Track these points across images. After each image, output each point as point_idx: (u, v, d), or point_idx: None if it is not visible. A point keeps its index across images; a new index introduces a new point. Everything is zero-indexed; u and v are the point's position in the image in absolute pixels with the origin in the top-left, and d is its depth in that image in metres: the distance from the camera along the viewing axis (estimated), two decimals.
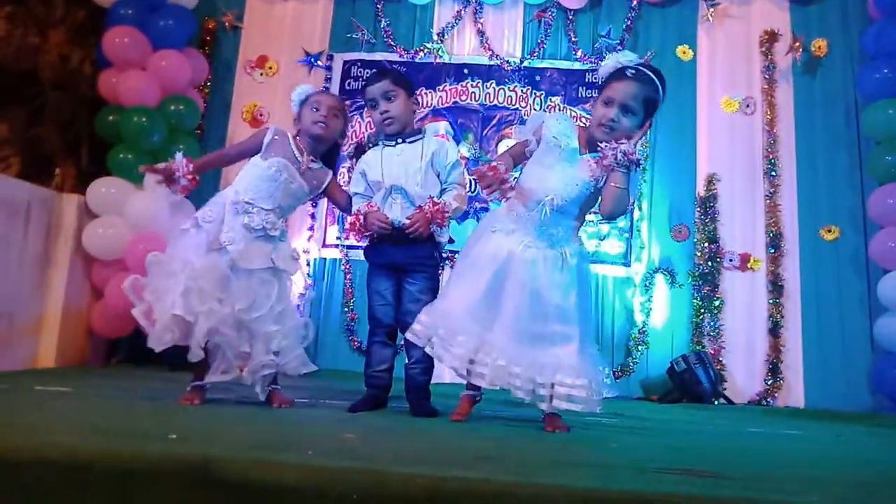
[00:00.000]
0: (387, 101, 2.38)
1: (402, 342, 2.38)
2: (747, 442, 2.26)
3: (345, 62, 4.66)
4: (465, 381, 2.13)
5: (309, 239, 4.40)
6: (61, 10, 4.40)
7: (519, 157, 2.14)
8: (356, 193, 2.45)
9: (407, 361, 2.33)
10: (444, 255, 4.25)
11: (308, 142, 2.47)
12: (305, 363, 2.39)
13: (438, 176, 2.38)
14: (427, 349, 2.04)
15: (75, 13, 4.42)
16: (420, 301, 2.29)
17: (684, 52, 4.43)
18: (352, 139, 4.55)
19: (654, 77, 2.03)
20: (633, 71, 2.00)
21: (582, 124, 2.22)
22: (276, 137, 2.44)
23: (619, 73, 2.01)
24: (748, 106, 4.33)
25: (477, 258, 2.07)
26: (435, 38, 4.58)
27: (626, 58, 2.05)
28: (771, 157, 4.21)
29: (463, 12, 4.60)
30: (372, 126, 4.56)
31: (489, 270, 2.02)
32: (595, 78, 4.46)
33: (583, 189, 2.04)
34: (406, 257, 2.35)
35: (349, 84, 4.64)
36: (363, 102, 4.50)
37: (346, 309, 4.27)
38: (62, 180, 4.27)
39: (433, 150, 2.38)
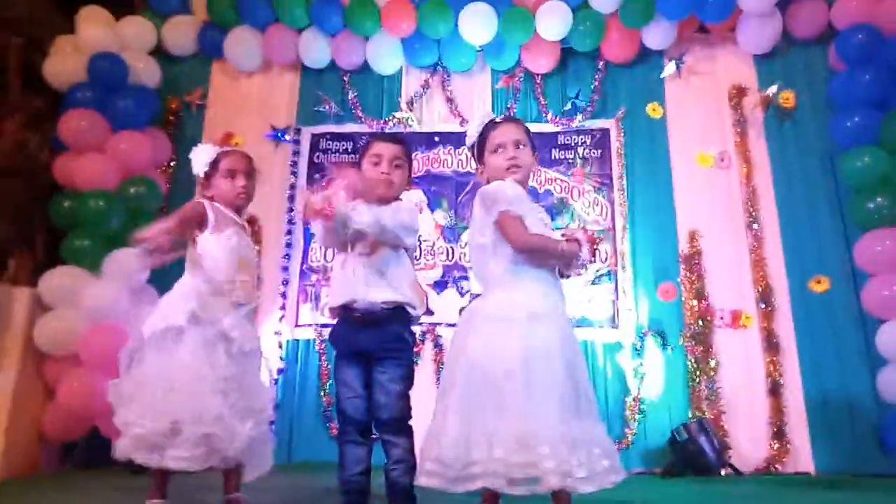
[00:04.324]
0: (392, 166, 2.20)
1: (375, 436, 2.13)
2: None
3: (313, 135, 4.56)
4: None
5: (280, 319, 4.16)
6: (17, 96, 4.28)
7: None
8: None
9: (387, 462, 2.06)
10: (424, 328, 4.08)
11: (229, 208, 2.34)
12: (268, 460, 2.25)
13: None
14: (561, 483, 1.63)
15: (32, 99, 4.30)
16: (391, 393, 2.04)
17: (654, 110, 4.41)
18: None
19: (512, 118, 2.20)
20: (499, 118, 2.15)
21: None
22: (216, 211, 2.30)
23: (489, 125, 2.11)
24: (723, 160, 4.28)
25: (522, 354, 1.74)
26: (404, 107, 4.52)
27: (483, 117, 2.15)
28: (751, 210, 4.13)
29: (430, 80, 4.56)
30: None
31: (557, 367, 1.74)
32: (567, 139, 4.43)
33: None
34: (372, 342, 2.09)
35: (318, 157, 4.52)
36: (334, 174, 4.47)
37: (321, 393, 3.99)
38: (16, 272, 4.03)
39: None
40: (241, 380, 2.14)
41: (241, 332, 2.15)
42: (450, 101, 4.52)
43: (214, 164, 2.33)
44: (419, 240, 3.92)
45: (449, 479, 1.70)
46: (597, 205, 4.30)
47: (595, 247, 1.88)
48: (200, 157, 2.36)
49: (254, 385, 2.22)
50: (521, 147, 2.05)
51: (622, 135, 4.37)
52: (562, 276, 2.01)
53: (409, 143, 2.43)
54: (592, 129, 4.43)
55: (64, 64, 4.12)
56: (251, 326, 2.26)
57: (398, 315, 2.12)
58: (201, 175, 2.36)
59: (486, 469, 1.64)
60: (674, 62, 4.41)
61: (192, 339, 2.09)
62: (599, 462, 1.70)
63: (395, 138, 2.33)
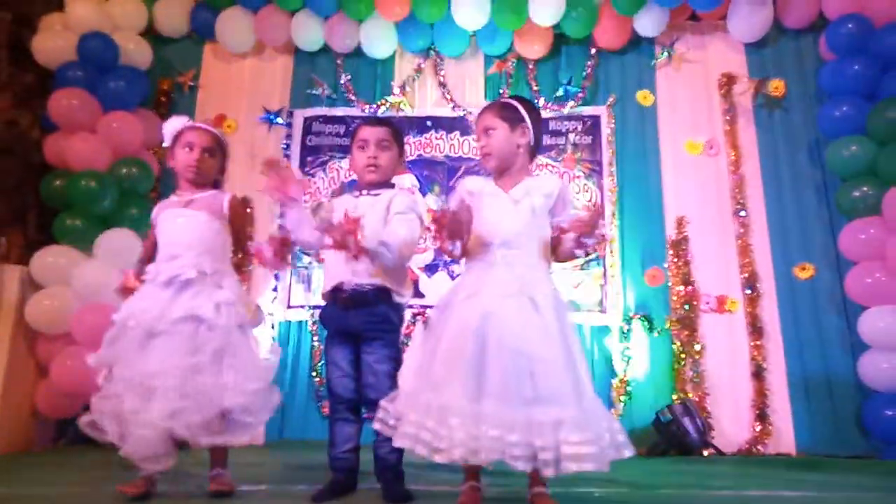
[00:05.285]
0: (379, 148, 2.21)
1: (366, 415, 2.17)
2: None
3: (306, 118, 4.56)
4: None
5: (273, 300, 4.19)
6: (6, 73, 4.25)
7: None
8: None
9: (375, 439, 2.08)
10: (415, 310, 4.11)
11: (185, 183, 2.34)
12: (212, 432, 2.05)
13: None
14: (419, 450, 1.76)
15: (22, 77, 4.27)
16: (378, 373, 2.07)
17: (645, 97, 4.44)
18: (311, 197, 4.42)
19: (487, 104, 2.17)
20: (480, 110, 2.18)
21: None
22: (159, 205, 2.39)
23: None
24: (711, 147, 4.32)
25: (449, 332, 1.88)
26: (397, 91, 4.53)
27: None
28: (739, 197, 4.18)
29: (423, 65, 4.57)
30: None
31: (466, 340, 1.83)
32: (559, 125, 4.46)
33: (528, 224, 1.98)
34: (359, 322, 2.11)
35: (310, 140, 4.53)
36: (326, 157, 4.49)
37: (313, 374, 4.03)
38: (8, 250, 4.04)
39: (390, 198, 2.16)
40: (151, 355, 2.08)
41: (153, 314, 2.10)
42: (442, 85, 4.53)
43: (179, 137, 2.35)
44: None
45: (390, 428, 1.88)
46: (586, 191, 4.34)
47: (440, 225, 1.84)
48: (168, 129, 2.39)
49: (164, 361, 2.07)
50: (490, 133, 2.05)
51: (613, 121, 4.41)
52: (557, 260, 2.06)
53: (397, 125, 2.45)
54: (583, 116, 4.46)
55: (53, 42, 4.09)
56: (181, 302, 2.11)
57: (386, 296, 2.14)
58: (168, 146, 2.38)
59: (400, 427, 1.83)
60: (665, 50, 4.44)
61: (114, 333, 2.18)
62: (461, 436, 1.72)
63: (380, 121, 2.36)
